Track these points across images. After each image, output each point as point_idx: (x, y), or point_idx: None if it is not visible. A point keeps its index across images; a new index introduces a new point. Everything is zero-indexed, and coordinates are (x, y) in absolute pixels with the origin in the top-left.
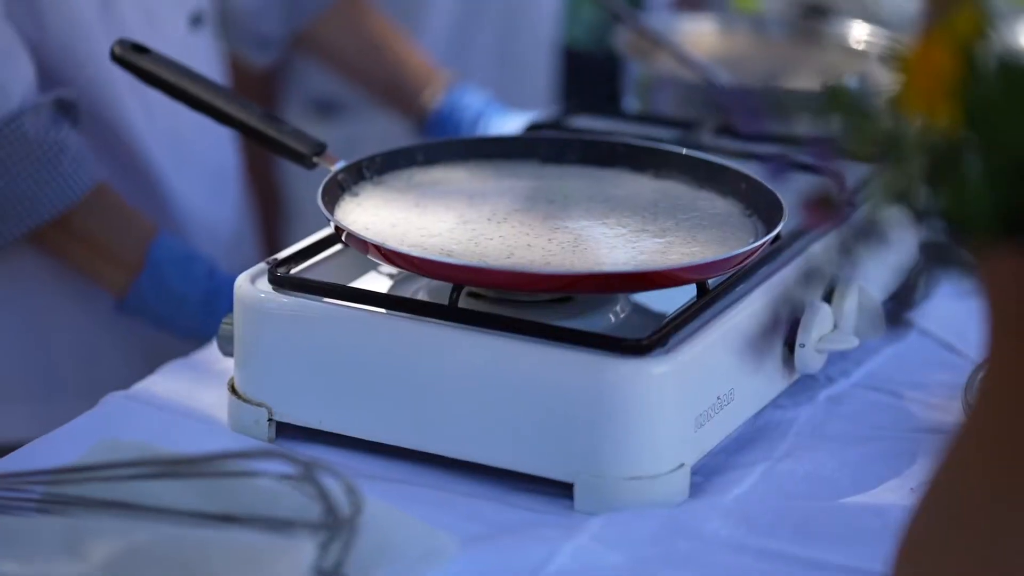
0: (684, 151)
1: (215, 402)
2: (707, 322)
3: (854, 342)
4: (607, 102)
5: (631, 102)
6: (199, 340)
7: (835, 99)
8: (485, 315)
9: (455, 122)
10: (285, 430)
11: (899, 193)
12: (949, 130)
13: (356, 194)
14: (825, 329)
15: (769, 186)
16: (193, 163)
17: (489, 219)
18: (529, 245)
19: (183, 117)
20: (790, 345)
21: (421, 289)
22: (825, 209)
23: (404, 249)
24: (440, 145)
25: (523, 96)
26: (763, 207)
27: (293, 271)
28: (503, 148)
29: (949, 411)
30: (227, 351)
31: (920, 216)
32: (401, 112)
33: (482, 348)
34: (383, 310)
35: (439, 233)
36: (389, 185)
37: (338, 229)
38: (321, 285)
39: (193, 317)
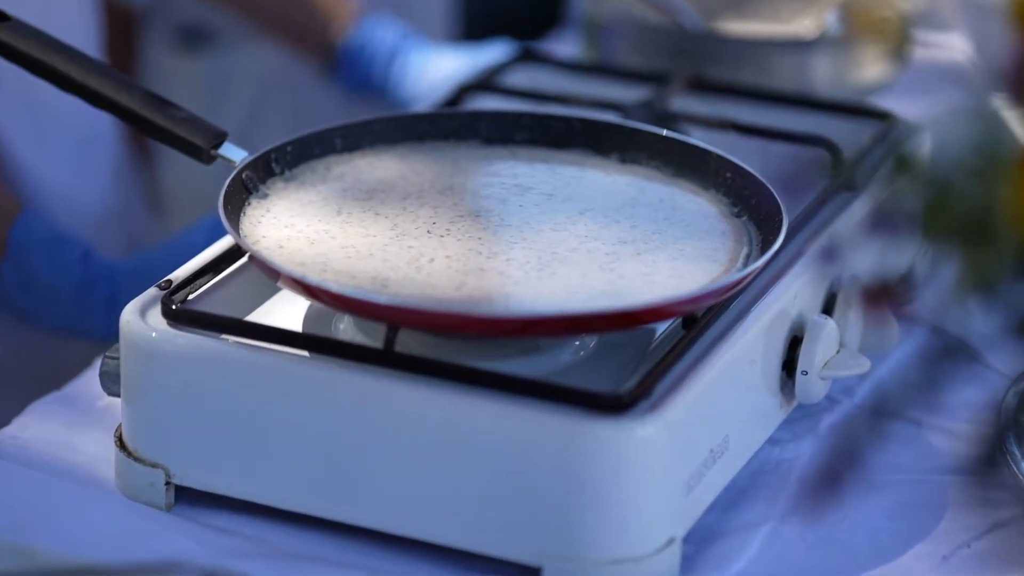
0: (657, 131)
1: (99, 452)
2: (697, 360)
3: (865, 365)
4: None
5: (569, 46)
6: (69, 336)
7: (906, 167)
8: (429, 362)
9: (367, 60)
10: (187, 495)
11: (983, 280)
12: None
13: (265, 195)
14: (831, 351)
15: (759, 176)
16: (52, 129)
17: (430, 232)
18: (482, 269)
19: None
20: (788, 370)
21: (349, 322)
22: (886, 299)
23: (333, 286)
24: (361, 127)
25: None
26: (753, 203)
27: (191, 297)
28: (438, 127)
29: (977, 443)
30: (112, 391)
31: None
32: (304, 50)
33: (425, 402)
34: (304, 352)
35: (371, 253)
36: (303, 182)
37: (249, 254)
38: (227, 321)
39: (63, 310)
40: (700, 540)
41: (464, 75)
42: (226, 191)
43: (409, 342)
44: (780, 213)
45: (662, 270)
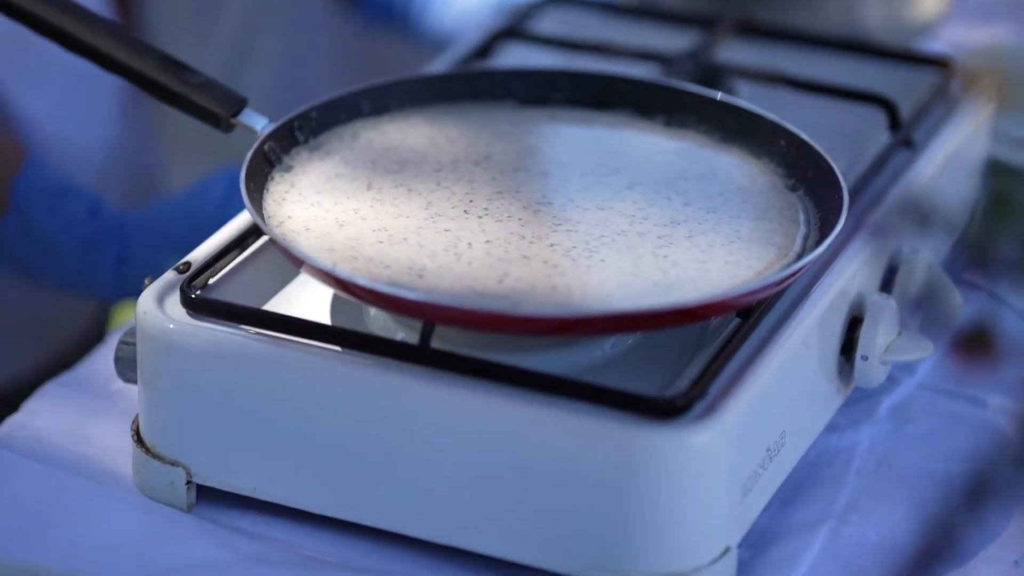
0: (707, 94)
1: (114, 444)
2: (755, 354)
3: (929, 349)
4: None
5: None
6: (77, 293)
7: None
8: (469, 360)
9: None
10: (209, 494)
11: None
12: None
13: (288, 168)
14: (892, 333)
15: (816, 147)
16: (48, 67)
17: (467, 212)
18: (525, 256)
19: None
20: (847, 353)
21: (377, 313)
22: (981, 349)
23: (365, 281)
24: (389, 88)
25: None
26: (809, 176)
27: (212, 282)
28: (471, 88)
29: None
30: (128, 378)
31: None
32: None
33: (464, 403)
34: (336, 348)
35: (404, 238)
36: (329, 151)
37: (294, 257)
38: (252, 313)
39: (70, 266)
40: (755, 543)
41: (492, 7)
42: (248, 166)
43: (443, 331)
44: (840, 190)
45: (717, 256)
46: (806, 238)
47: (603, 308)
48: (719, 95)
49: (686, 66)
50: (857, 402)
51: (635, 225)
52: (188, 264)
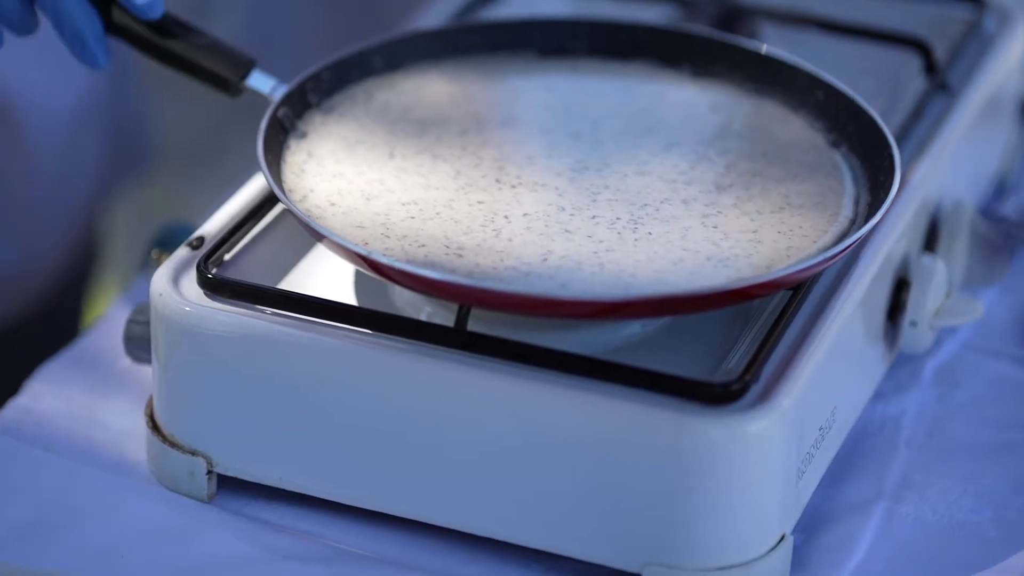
0: (740, 44)
1: (127, 427)
2: (807, 331)
3: (979, 311)
4: None
5: None
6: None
7: None
8: (508, 344)
9: None
10: (231, 484)
11: None
12: None
13: (303, 134)
14: (941, 296)
15: (861, 102)
16: None
17: (499, 180)
18: (568, 231)
19: None
20: (892, 316)
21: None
22: None
23: (407, 266)
24: (402, 43)
25: None
26: (851, 130)
27: (228, 258)
28: (487, 39)
29: None
30: (139, 358)
31: None
32: None
33: (506, 390)
34: (366, 331)
35: (436, 212)
36: (344, 113)
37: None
38: (275, 294)
39: None
40: (806, 526)
41: None
42: (264, 139)
43: (478, 316)
44: (888, 147)
45: (768, 225)
46: (857, 201)
47: (661, 290)
48: (763, 47)
49: (707, 8)
50: (899, 366)
51: (678, 192)
52: (201, 239)
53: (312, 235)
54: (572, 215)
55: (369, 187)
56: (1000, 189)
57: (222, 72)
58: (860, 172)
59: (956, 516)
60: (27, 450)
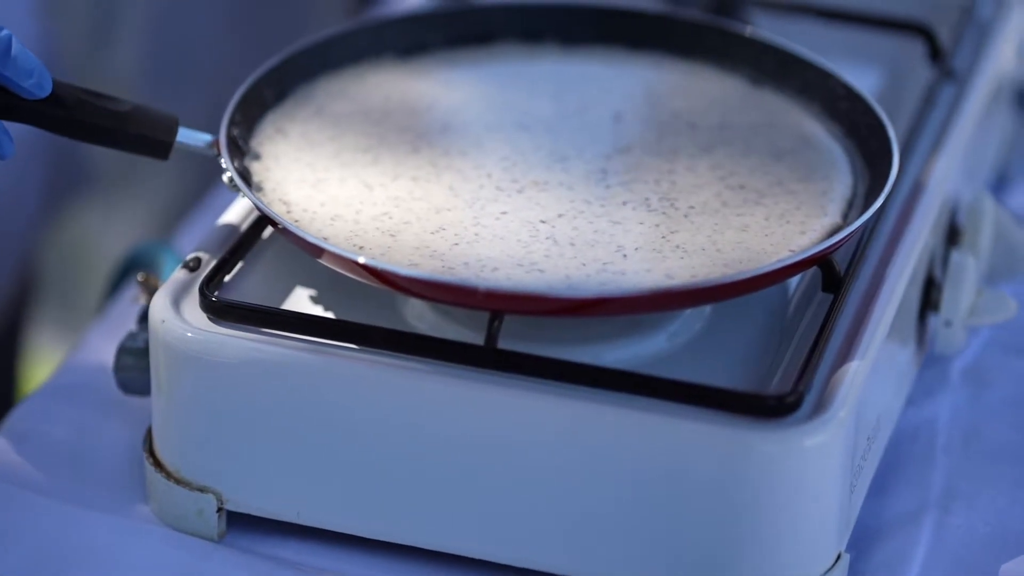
0: (761, 39)
1: (123, 467)
2: (851, 339)
3: (1012, 308)
4: None
5: None
6: None
7: None
8: (544, 361)
9: None
10: (241, 520)
11: None
12: None
13: (258, 157)
14: (972, 294)
15: (867, 98)
16: None
17: (521, 190)
18: (593, 244)
19: None
20: (922, 318)
21: (422, 304)
22: None
23: (441, 277)
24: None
25: None
26: (859, 123)
27: (228, 279)
28: (472, 28)
29: None
30: (132, 390)
31: None
32: None
33: (544, 410)
34: (387, 353)
35: (457, 233)
36: (304, 128)
37: (316, 248)
38: (285, 316)
39: None
40: (857, 543)
41: None
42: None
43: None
44: (889, 144)
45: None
46: (855, 191)
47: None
48: (796, 51)
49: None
50: (925, 368)
51: (735, 190)
52: (198, 260)
53: (307, 251)
54: (592, 222)
55: (371, 207)
56: (1002, 179)
57: (158, 135)
58: (862, 170)
59: (1009, 525)
60: (16, 492)
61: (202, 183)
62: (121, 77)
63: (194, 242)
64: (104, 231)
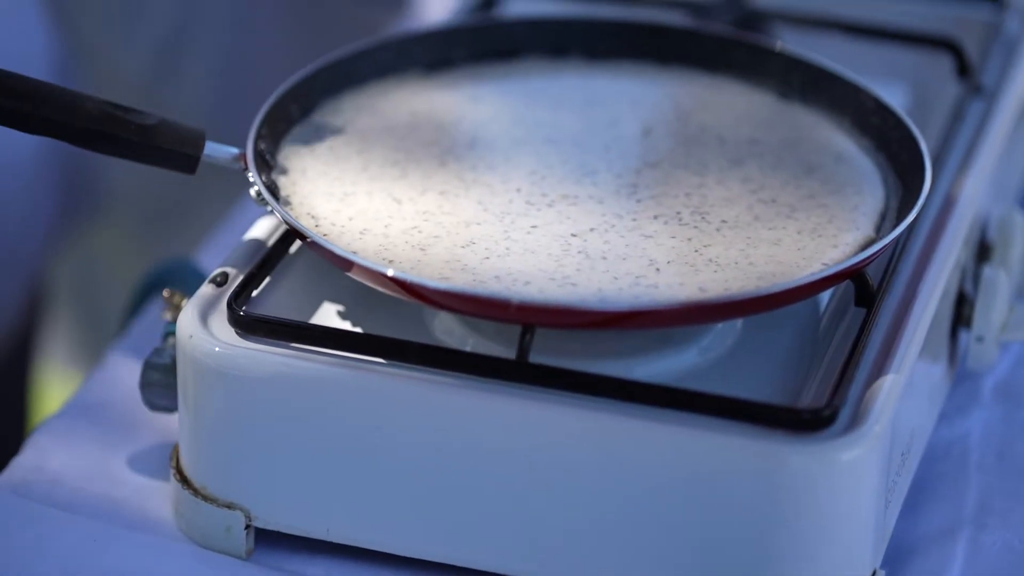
0: (778, 48)
1: (150, 484)
2: (886, 352)
3: None
4: None
5: None
6: None
7: None
8: (577, 375)
9: None
10: (270, 537)
11: None
12: None
13: (285, 171)
14: (1004, 310)
15: (900, 113)
16: None
17: (551, 204)
18: (623, 258)
19: None
20: (954, 334)
21: (450, 318)
22: None
23: (476, 290)
24: (392, 48)
25: None
26: (891, 138)
27: (255, 294)
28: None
29: None
30: (158, 406)
31: None
32: None
33: (576, 425)
34: (420, 368)
35: (490, 248)
36: (333, 142)
37: (346, 262)
38: (317, 331)
39: None
40: (891, 560)
41: None
42: (267, 186)
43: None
44: (922, 159)
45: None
46: (899, 209)
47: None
48: (826, 66)
49: (722, 13)
50: (956, 384)
51: (767, 204)
52: (225, 275)
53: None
54: (624, 235)
55: (381, 212)
56: None
57: (184, 149)
58: (889, 172)
59: None
60: (44, 511)
61: (221, 202)
62: (187, 102)
63: (216, 258)
64: (118, 250)
